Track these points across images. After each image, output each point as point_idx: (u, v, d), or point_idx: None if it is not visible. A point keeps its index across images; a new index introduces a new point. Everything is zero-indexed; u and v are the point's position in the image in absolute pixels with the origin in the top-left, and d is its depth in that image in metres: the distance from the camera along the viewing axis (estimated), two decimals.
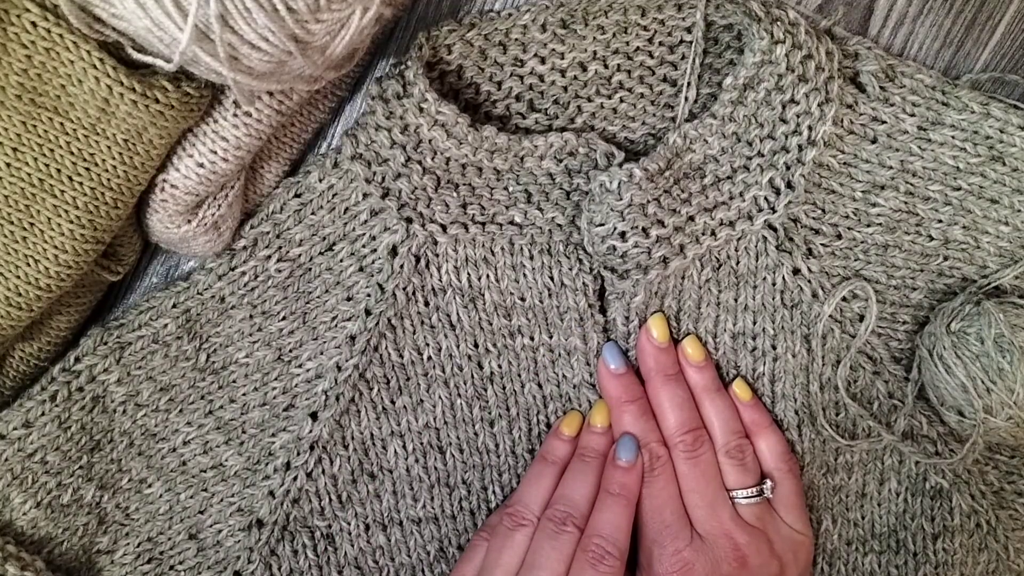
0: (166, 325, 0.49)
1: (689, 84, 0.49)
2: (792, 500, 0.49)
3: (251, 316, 0.50)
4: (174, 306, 0.49)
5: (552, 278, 0.49)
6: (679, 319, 0.50)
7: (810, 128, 0.47)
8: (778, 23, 0.45)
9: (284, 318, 0.50)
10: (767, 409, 0.51)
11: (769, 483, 0.49)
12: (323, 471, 0.50)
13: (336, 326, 0.50)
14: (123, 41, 0.37)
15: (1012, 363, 0.46)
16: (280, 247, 0.49)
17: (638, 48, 0.49)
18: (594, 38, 0.48)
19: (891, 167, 0.50)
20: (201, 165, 0.42)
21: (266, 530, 0.51)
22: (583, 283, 0.49)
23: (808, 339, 0.50)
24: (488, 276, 0.49)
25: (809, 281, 0.50)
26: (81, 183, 0.39)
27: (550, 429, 0.52)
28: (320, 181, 0.49)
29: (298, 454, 0.50)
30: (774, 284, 0.50)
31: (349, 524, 0.51)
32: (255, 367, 0.50)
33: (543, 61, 0.48)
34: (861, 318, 0.51)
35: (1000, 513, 0.54)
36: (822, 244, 0.50)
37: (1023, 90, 0.52)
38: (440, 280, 0.49)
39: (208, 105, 0.41)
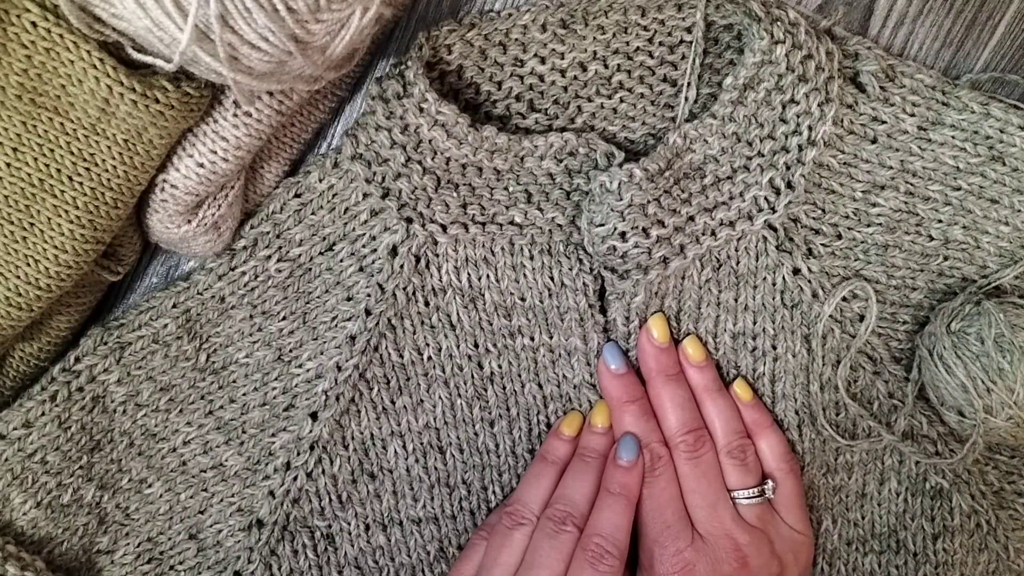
0: (166, 325, 0.49)
1: (689, 84, 0.49)
2: (793, 500, 0.49)
3: (251, 316, 0.50)
4: (174, 306, 0.49)
5: (552, 278, 0.49)
6: (679, 319, 0.50)
7: (810, 128, 0.47)
8: (778, 23, 0.45)
9: (284, 318, 0.50)
10: (768, 409, 0.51)
11: (770, 483, 0.49)
12: (323, 471, 0.50)
13: (336, 326, 0.50)
14: (123, 41, 0.37)
15: (1012, 363, 0.46)
16: (280, 247, 0.49)
17: (638, 48, 0.49)
18: (594, 38, 0.48)
19: (891, 167, 0.50)
20: (201, 165, 0.42)
21: (266, 530, 0.51)
22: (583, 283, 0.49)
23: (808, 339, 0.50)
24: (488, 276, 0.49)
25: (809, 281, 0.50)
26: (81, 183, 0.39)
27: (550, 429, 0.52)
28: (320, 181, 0.49)
29: (298, 454, 0.50)
30: (774, 284, 0.50)
31: (349, 524, 0.51)
32: (255, 367, 0.50)
33: (543, 61, 0.48)
34: (861, 318, 0.51)
35: (1000, 513, 0.54)
36: (822, 244, 0.50)
37: (1023, 90, 0.52)
38: (440, 280, 0.49)
39: (208, 105, 0.41)
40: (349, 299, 0.50)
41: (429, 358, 0.50)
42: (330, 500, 0.51)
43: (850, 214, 0.50)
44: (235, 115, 0.42)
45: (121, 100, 0.38)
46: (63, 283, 0.41)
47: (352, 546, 0.52)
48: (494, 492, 0.52)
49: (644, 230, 0.46)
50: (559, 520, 0.46)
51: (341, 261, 0.50)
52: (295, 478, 0.50)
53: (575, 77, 0.49)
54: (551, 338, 0.51)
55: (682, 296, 0.50)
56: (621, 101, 0.50)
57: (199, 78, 0.38)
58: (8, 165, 0.38)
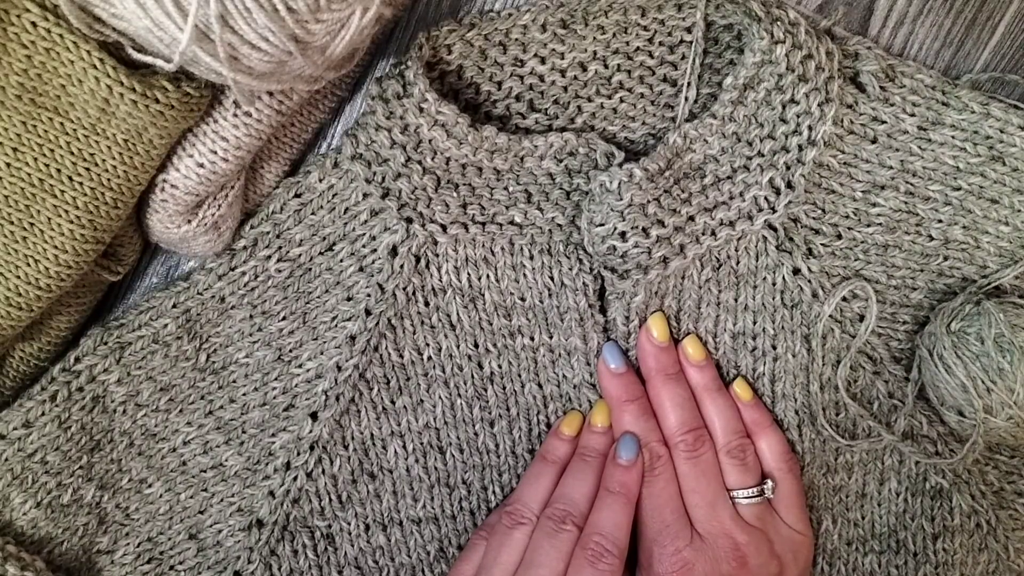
0: (166, 325, 0.49)
1: (689, 84, 0.49)
2: (792, 500, 0.49)
3: (251, 316, 0.50)
4: (174, 306, 0.49)
5: (552, 278, 0.49)
6: (679, 319, 0.50)
7: (810, 128, 0.47)
8: (778, 23, 0.45)
9: (284, 318, 0.50)
10: (768, 409, 0.51)
11: (770, 483, 0.49)
12: (323, 471, 0.50)
13: (336, 326, 0.50)
14: (123, 41, 0.37)
15: (1012, 363, 0.46)
16: (280, 247, 0.49)
17: (638, 48, 0.49)
18: (594, 38, 0.48)
19: (891, 167, 0.50)
20: (201, 165, 0.42)
21: (266, 530, 0.51)
22: (583, 283, 0.49)
23: (808, 339, 0.50)
24: (488, 276, 0.49)
25: (809, 281, 0.50)
26: (81, 183, 0.39)
27: (550, 429, 0.52)
28: (320, 181, 0.49)
29: (298, 454, 0.50)
30: (774, 284, 0.50)
31: (349, 524, 0.51)
32: (255, 367, 0.50)
33: (543, 61, 0.48)
34: (861, 318, 0.51)
35: (1000, 513, 0.54)
36: (822, 244, 0.50)
37: (1023, 90, 0.52)
38: (440, 280, 0.49)
39: (208, 105, 0.41)
40: (349, 299, 0.50)
41: (429, 358, 0.50)
42: (330, 500, 0.51)
43: (850, 214, 0.50)
44: (235, 115, 0.42)
45: (121, 100, 0.38)
46: (63, 283, 0.41)
47: (352, 546, 0.52)
48: (494, 492, 0.52)
49: (644, 230, 0.46)
50: (559, 519, 0.46)
51: (341, 261, 0.50)
52: (295, 478, 0.50)
53: (575, 77, 0.49)
54: (551, 338, 0.51)
55: (682, 296, 0.50)
56: (621, 101, 0.50)
57: (199, 78, 0.38)
58: (8, 165, 0.38)
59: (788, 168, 0.48)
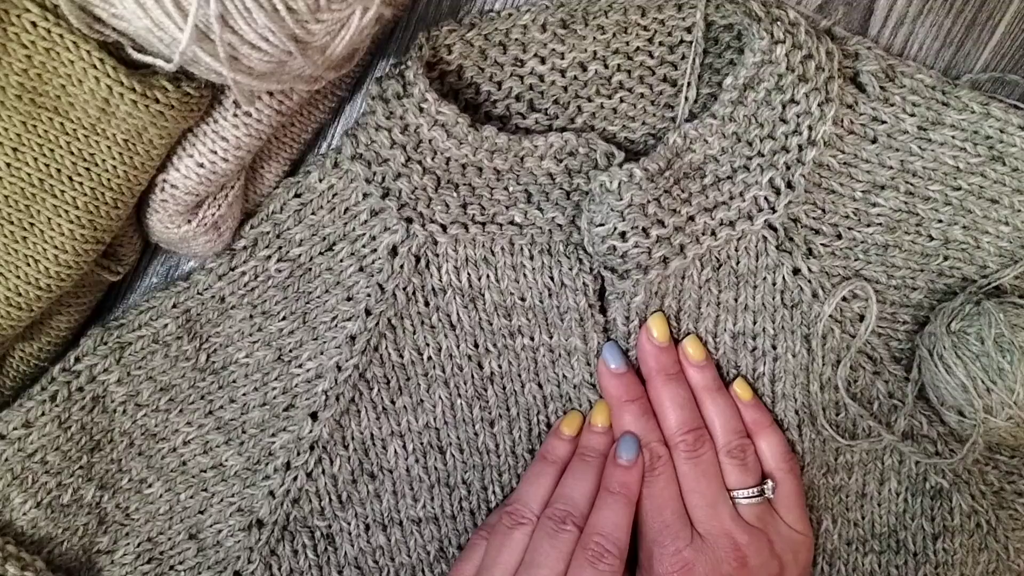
0: (166, 325, 0.49)
1: (689, 84, 0.49)
2: (792, 500, 0.49)
3: (251, 316, 0.50)
4: (174, 306, 0.49)
5: (552, 278, 0.49)
6: (679, 319, 0.50)
7: (810, 128, 0.47)
8: (778, 23, 0.45)
9: (284, 318, 0.50)
10: (768, 409, 0.51)
11: (770, 483, 0.49)
12: (323, 471, 0.50)
13: (336, 326, 0.50)
14: (123, 41, 0.37)
15: (1012, 363, 0.46)
16: (280, 247, 0.49)
17: (638, 48, 0.49)
18: (594, 38, 0.48)
19: (891, 167, 0.50)
20: (201, 165, 0.42)
21: (266, 530, 0.51)
22: (583, 283, 0.49)
23: (808, 339, 0.50)
24: (488, 276, 0.49)
25: (809, 281, 0.50)
26: (81, 183, 0.39)
27: (550, 429, 0.52)
28: (320, 181, 0.49)
29: (298, 454, 0.50)
30: (774, 284, 0.50)
31: (349, 524, 0.51)
32: (255, 367, 0.50)
33: (543, 61, 0.48)
34: (861, 318, 0.51)
35: (1000, 513, 0.54)
36: (822, 244, 0.50)
37: (1023, 90, 0.52)
38: (440, 280, 0.49)
39: (208, 105, 0.41)
40: (349, 299, 0.50)
41: (429, 358, 0.50)
42: (330, 500, 0.51)
43: (850, 214, 0.50)
44: (235, 115, 0.42)
45: (121, 100, 0.38)
46: (63, 283, 0.41)
47: (352, 546, 0.52)
48: (494, 492, 0.52)
49: (644, 230, 0.46)
50: (559, 519, 0.46)
51: (341, 261, 0.50)
52: (295, 478, 0.50)
53: (575, 77, 0.49)
54: (551, 338, 0.51)
55: (682, 296, 0.50)
56: (621, 101, 0.50)
57: (199, 78, 0.38)
58: (8, 165, 0.38)
59: (788, 168, 0.48)
